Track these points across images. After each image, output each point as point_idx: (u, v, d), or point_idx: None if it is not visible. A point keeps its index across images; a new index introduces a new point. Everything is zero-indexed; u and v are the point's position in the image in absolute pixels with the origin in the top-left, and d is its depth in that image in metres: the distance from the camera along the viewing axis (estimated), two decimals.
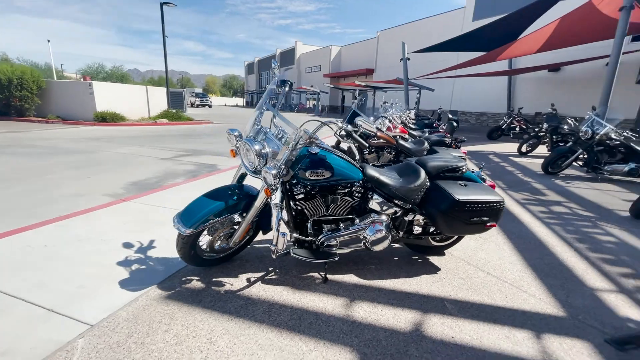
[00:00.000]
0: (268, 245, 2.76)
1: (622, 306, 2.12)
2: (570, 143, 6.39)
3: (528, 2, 11.05)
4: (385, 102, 7.42)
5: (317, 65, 38.69)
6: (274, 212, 1.99)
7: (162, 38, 15.40)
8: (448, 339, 1.75)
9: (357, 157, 4.60)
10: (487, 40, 13.35)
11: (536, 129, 9.09)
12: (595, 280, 2.43)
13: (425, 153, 4.55)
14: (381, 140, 4.59)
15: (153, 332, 1.69)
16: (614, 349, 1.72)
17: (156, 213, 3.35)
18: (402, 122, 6.81)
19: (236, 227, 2.26)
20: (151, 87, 15.65)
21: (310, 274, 2.34)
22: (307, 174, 2.02)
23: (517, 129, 11.92)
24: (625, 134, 5.76)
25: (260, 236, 2.50)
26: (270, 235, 2.39)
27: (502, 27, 12.35)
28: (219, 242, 2.27)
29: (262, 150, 1.98)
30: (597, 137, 5.79)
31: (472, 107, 21.07)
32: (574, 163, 6.27)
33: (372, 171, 2.26)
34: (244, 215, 2.19)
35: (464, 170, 2.41)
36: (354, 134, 3.73)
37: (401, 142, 4.71)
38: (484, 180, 2.52)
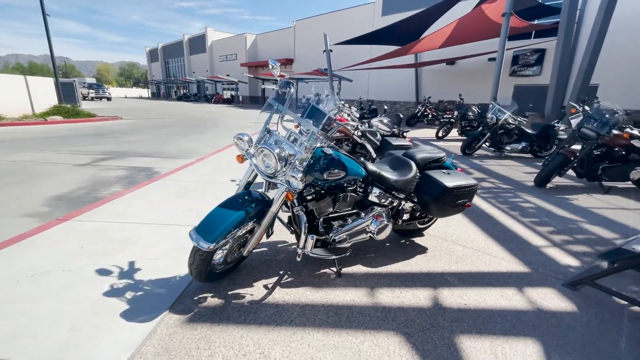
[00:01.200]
0: (265, 249, 2.70)
1: (561, 257, 2.76)
2: (480, 128, 7.63)
3: (430, 1, 12.55)
4: (319, 94, 7.65)
5: (232, 53, 36.80)
6: (301, 215, 1.99)
7: (32, 15, 12.62)
8: (462, 306, 2.05)
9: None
10: (399, 36, 14.70)
11: (447, 116, 10.50)
12: (536, 239, 3.09)
13: (379, 143, 4.93)
14: (338, 134, 4.79)
15: None
16: (570, 289, 2.27)
17: (119, 231, 2.91)
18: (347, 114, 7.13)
19: (248, 235, 2.17)
20: (32, 78, 12.82)
21: (322, 271, 2.41)
22: (325, 174, 2.06)
23: (429, 116, 13.57)
24: (518, 119, 7.16)
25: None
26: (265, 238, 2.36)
27: (411, 24, 13.73)
28: (234, 253, 2.15)
29: (282, 154, 1.94)
30: (500, 122, 7.06)
31: (386, 96, 23.00)
32: (483, 145, 7.54)
33: (372, 167, 2.41)
34: (259, 222, 2.11)
35: (444, 160, 2.76)
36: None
37: (358, 133, 4.98)
38: (457, 167, 2.93)
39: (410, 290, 2.21)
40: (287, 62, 29.78)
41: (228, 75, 34.24)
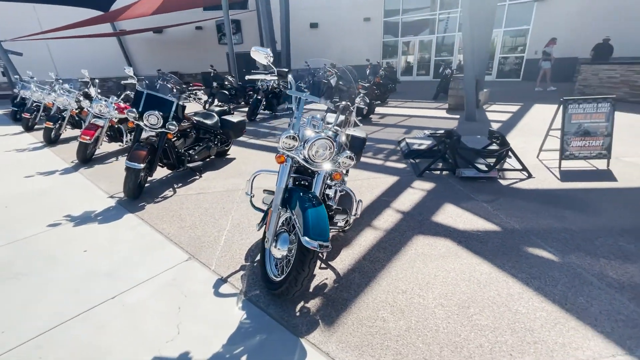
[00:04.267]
0: None
1: (399, 164, 4.57)
2: (256, 95, 8.64)
3: None
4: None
5: None
6: (353, 194, 2.28)
7: None
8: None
9: None
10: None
11: (209, 89, 10.61)
12: (378, 161, 4.77)
13: (219, 125, 4.81)
14: (185, 123, 4.24)
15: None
16: (421, 178, 4.03)
17: None
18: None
19: None
20: None
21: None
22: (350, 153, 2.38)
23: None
24: (282, 83, 8.80)
25: None
26: None
27: None
28: None
29: (337, 140, 2.06)
30: (270, 87, 8.42)
31: (92, 72, 18.36)
32: (261, 111, 8.72)
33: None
34: None
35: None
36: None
37: (197, 119, 4.55)
38: None
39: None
40: None
41: None
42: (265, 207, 2.49)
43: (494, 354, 1.60)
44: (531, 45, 14.30)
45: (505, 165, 4.11)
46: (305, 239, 1.73)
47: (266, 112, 9.08)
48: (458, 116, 7.81)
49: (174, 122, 3.76)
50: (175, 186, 4.08)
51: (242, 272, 2.34)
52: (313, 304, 2.00)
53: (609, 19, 11.63)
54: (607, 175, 3.78)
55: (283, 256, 2.04)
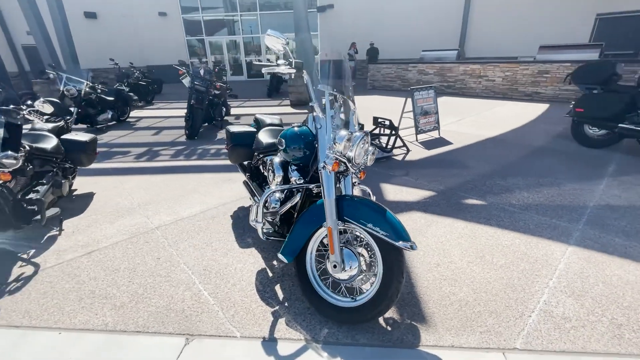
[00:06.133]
0: None
1: None
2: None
3: None
4: None
5: None
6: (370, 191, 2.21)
7: None
8: None
9: None
10: None
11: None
12: None
13: (62, 149, 3.25)
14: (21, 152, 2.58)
15: None
16: None
17: None
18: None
19: None
20: None
21: None
22: None
23: None
24: (99, 87, 6.64)
25: None
26: None
27: None
28: None
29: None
30: (81, 94, 6.22)
31: None
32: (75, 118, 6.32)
33: None
34: None
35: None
36: None
37: (28, 144, 2.86)
38: None
39: None
40: None
41: None
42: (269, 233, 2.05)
43: (513, 269, 2.08)
44: (322, 49, 17.25)
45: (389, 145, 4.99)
46: (401, 243, 1.58)
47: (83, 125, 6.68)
48: (306, 111, 8.55)
49: (12, 153, 2.25)
50: (30, 255, 2.48)
51: (281, 319, 1.83)
52: (388, 312, 1.86)
53: (372, 28, 15.63)
54: (445, 141, 5.32)
55: (351, 276, 1.76)
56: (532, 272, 2.14)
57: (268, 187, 2.44)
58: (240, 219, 3.00)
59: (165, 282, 2.17)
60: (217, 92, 6.74)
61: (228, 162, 4.56)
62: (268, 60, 15.05)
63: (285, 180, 2.20)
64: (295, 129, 2.12)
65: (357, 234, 1.78)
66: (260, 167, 2.78)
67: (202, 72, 6.16)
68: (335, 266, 1.72)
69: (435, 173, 3.93)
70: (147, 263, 2.37)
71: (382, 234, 1.60)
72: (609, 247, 2.38)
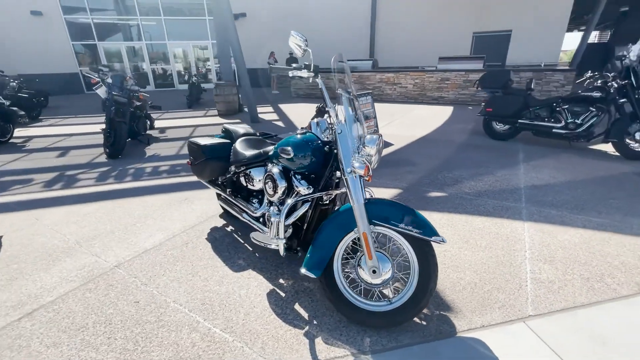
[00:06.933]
0: None
1: None
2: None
3: None
4: None
5: None
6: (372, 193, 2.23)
7: None
8: None
9: None
10: None
11: None
12: None
13: None
14: None
15: None
16: None
17: None
18: None
19: None
20: None
21: None
22: None
23: None
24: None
25: None
26: None
27: None
28: None
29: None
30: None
31: None
32: None
33: None
34: None
35: None
36: None
37: None
38: None
39: None
40: None
41: None
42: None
43: (495, 248, 2.40)
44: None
45: None
46: (434, 238, 1.65)
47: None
48: (239, 120, 8.18)
49: None
50: None
51: (317, 339, 1.70)
52: None
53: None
54: (386, 142, 5.74)
55: (385, 280, 1.75)
56: (510, 248, 2.47)
57: (265, 201, 2.26)
58: (219, 240, 2.69)
59: (159, 328, 1.79)
60: (138, 103, 5.92)
61: (176, 180, 4.07)
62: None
63: (288, 190, 2.07)
64: (298, 136, 2.02)
65: (384, 235, 1.78)
66: (242, 180, 2.55)
67: (130, 80, 5.36)
68: (374, 271, 1.69)
69: (392, 172, 4.21)
70: (124, 311, 1.92)
71: (415, 232, 1.64)
72: (550, 218, 2.92)
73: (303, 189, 1.95)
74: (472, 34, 13.66)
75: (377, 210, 1.71)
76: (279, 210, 2.13)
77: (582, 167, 4.23)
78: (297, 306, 1.95)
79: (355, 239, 1.80)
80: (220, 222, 2.99)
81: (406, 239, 1.70)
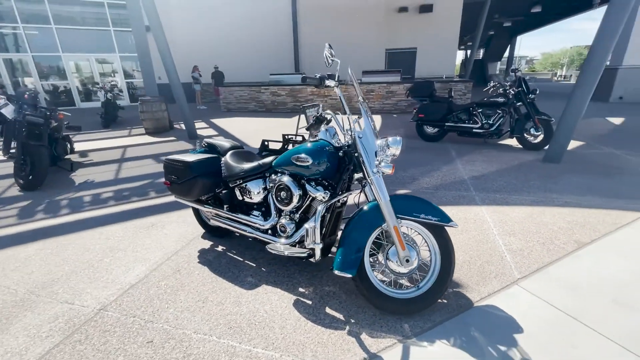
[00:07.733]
0: None
1: None
2: None
3: None
4: None
5: None
6: None
7: None
8: None
9: None
10: None
11: None
12: None
13: None
14: None
15: None
16: None
17: None
18: None
19: None
20: None
21: None
22: None
23: None
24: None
25: None
26: None
27: None
28: None
29: None
30: None
31: None
32: None
33: None
34: None
35: None
36: None
37: None
38: None
39: None
40: None
41: None
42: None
43: (470, 231, 2.82)
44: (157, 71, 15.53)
45: None
46: (451, 223, 1.89)
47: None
48: (174, 138, 7.58)
49: None
50: None
51: (362, 335, 1.77)
52: None
53: (213, 52, 15.33)
54: None
55: (411, 269, 1.92)
56: (480, 228, 2.91)
57: (273, 212, 2.23)
58: (214, 262, 2.51)
59: None
60: (55, 123, 5.05)
61: (132, 206, 3.59)
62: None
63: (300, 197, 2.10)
64: (309, 144, 2.08)
65: (406, 226, 1.95)
66: (238, 194, 2.46)
67: (41, 97, 4.50)
68: (407, 260, 1.84)
69: None
70: (138, 355, 1.67)
71: (434, 220, 1.85)
72: (497, 200, 3.51)
73: (320, 194, 2.00)
74: (385, 50, 15.27)
75: (400, 205, 1.88)
76: (291, 219, 2.14)
77: (501, 158, 5.16)
78: (328, 310, 1.97)
79: (378, 234, 1.93)
80: (207, 243, 2.78)
81: (426, 227, 1.90)
